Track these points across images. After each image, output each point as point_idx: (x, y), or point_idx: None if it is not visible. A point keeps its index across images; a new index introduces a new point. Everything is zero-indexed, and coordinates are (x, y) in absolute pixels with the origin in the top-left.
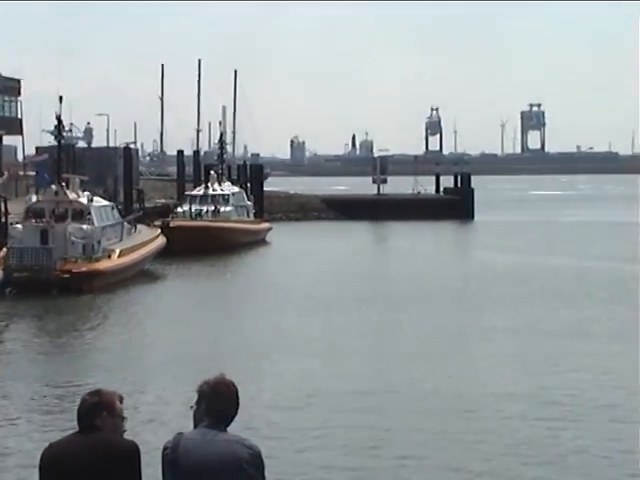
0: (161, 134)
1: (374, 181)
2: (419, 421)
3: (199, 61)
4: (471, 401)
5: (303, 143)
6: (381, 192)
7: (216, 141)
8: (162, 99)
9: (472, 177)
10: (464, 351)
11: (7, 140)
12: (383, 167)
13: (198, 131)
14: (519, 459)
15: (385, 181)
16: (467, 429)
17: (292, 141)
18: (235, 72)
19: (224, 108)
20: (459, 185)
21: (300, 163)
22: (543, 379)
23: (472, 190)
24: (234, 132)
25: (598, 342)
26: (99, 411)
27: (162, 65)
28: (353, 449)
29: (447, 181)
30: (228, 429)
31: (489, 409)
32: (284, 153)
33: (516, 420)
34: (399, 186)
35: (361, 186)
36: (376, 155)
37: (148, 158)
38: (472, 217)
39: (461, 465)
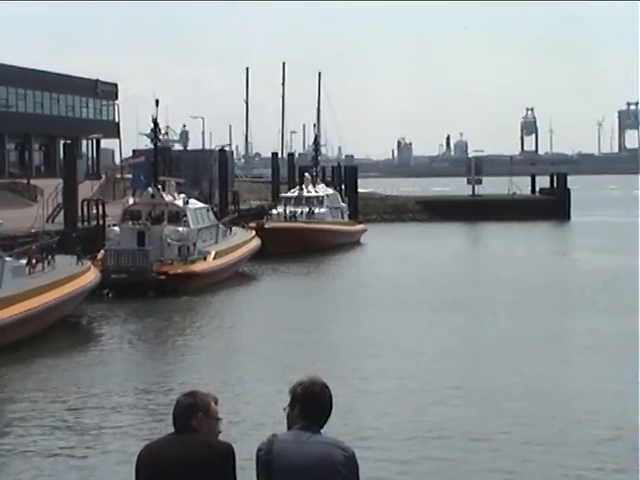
0: (246, 137)
1: (469, 182)
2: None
3: (283, 64)
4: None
5: (410, 144)
6: (476, 193)
7: (310, 143)
8: (247, 102)
9: (568, 177)
10: (566, 356)
11: (105, 143)
12: (478, 168)
13: (282, 134)
14: None
15: (480, 182)
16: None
17: (399, 142)
18: (319, 74)
19: (319, 110)
20: (555, 185)
21: (407, 164)
22: None
23: (568, 190)
24: (318, 135)
25: None
26: (195, 412)
27: (247, 68)
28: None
29: (543, 181)
30: (322, 431)
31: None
32: (379, 154)
33: None
34: (494, 187)
35: (459, 187)
36: (471, 155)
37: (243, 160)
38: (568, 217)
39: None
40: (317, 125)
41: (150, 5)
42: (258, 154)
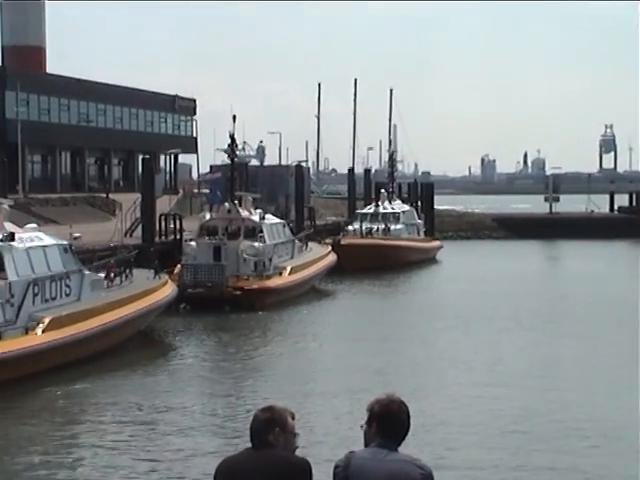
0: (317, 152)
1: (546, 200)
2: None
3: (355, 80)
4: None
5: (494, 161)
6: (554, 211)
7: (386, 159)
8: (319, 118)
9: None
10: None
11: (182, 158)
12: (556, 185)
13: (354, 150)
14: None
15: (558, 200)
16: None
17: (482, 159)
18: (391, 91)
19: (395, 127)
20: (634, 203)
21: (490, 181)
22: None
23: None
24: (389, 150)
25: None
26: (272, 427)
27: (319, 84)
28: None
29: (622, 199)
30: (399, 448)
31: None
32: (456, 171)
33: None
34: (572, 205)
35: (540, 205)
36: (548, 173)
37: (314, 177)
38: None
39: None
40: (393, 141)
41: (226, 21)
42: (334, 170)
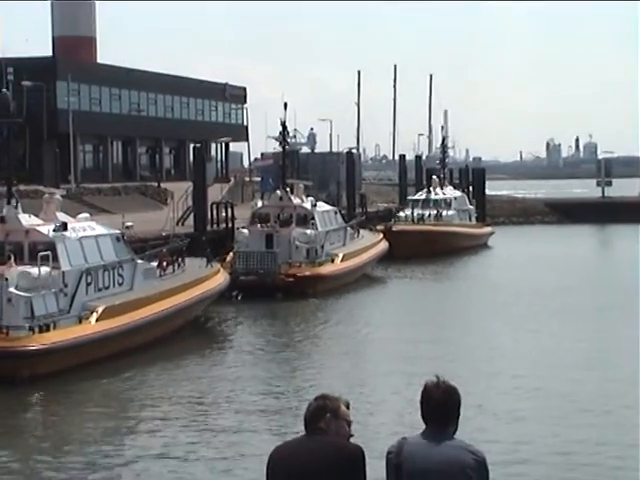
0: (357, 139)
1: (598, 184)
2: None
3: (395, 66)
4: None
5: (559, 145)
6: (606, 195)
7: (437, 145)
8: (358, 105)
9: None
10: None
11: (234, 147)
12: (607, 169)
13: (394, 135)
14: None
15: (610, 183)
16: None
17: (547, 143)
18: (430, 77)
19: (446, 112)
20: None
21: (555, 165)
22: None
23: None
24: (429, 137)
25: None
26: (323, 413)
27: (358, 72)
28: None
29: None
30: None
31: None
32: (507, 156)
33: None
34: (625, 188)
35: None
36: (600, 157)
37: (370, 162)
38: None
39: None
40: (444, 127)
41: (274, 8)
42: (385, 156)
